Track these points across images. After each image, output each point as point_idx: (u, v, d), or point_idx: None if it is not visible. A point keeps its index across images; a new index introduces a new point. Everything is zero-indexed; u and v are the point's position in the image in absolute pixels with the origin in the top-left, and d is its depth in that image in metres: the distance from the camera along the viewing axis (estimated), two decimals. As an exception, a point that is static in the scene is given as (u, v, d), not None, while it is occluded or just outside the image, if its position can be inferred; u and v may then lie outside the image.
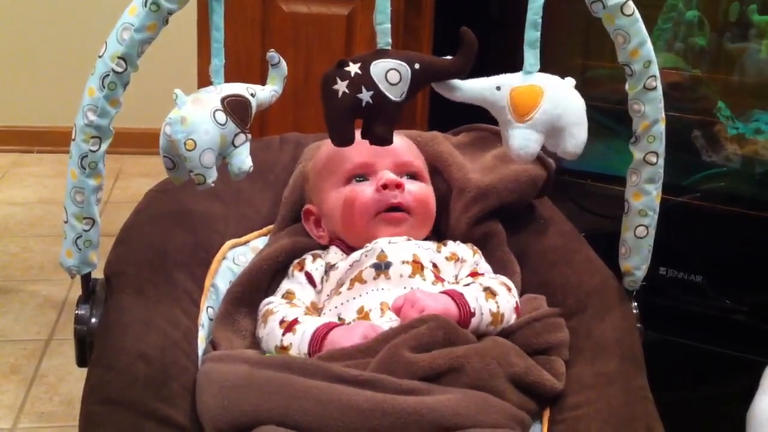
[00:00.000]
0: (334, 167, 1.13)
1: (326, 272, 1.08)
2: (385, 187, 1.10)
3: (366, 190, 1.11)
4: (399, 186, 1.11)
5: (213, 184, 0.90)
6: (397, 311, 0.97)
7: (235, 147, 0.92)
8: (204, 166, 0.88)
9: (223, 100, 0.91)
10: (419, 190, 1.13)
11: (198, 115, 0.88)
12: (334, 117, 0.89)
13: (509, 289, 1.06)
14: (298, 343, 0.98)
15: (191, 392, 0.93)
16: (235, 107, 0.91)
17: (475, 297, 0.99)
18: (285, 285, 1.09)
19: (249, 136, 0.93)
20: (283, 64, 0.99)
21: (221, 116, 0.90)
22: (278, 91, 0.99)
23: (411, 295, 0.97)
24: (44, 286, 2.07)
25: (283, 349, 0.98)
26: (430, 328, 0.93)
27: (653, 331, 1.08)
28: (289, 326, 0.99)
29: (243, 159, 0.93)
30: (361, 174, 1.12)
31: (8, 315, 1.93)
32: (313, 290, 1.08)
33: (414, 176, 1.14)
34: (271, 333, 1.00)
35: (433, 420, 0.85)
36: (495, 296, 1.02)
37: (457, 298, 0.98)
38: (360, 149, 1.08)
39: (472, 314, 0.98)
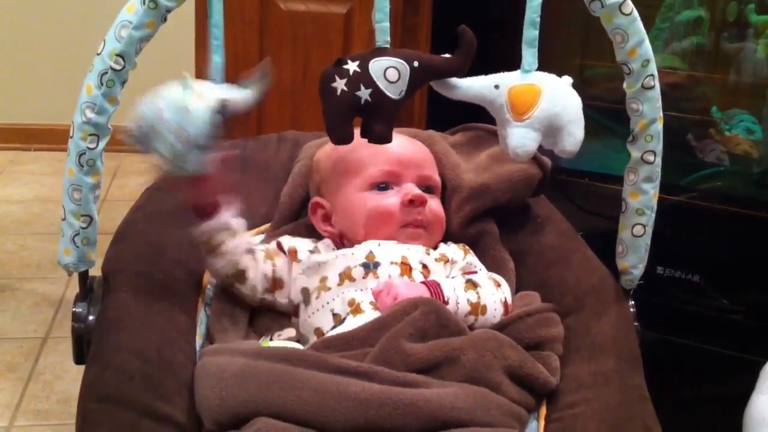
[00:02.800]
0: (357, 169, 1.12)
1: (310, 251, 1.09)
2: (411, 202, 1.10)
3: (392, 202, 1.11)
4: (423, 203, 1.11)
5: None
6: (377, 296, 1.00)
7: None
8: (193, 163, 0.88)
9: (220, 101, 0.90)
10: (436, 207, 1.14)
11: (199, 109, 0.88)
12: (333, 115, 0.89)
13: (498, 285, 1.06)
14: None
15: (189, 390, 0.93)
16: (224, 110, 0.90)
17: (452, 287, 1.01)
18: None
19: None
20: (266, 77, 0.97)
21: (216, 117, 0.89)
22: (253, 101, 0.97)
23: (387, 283, 1.00)
24: (41, 284, 2.06)
25: None
26: (424, 313, 0.94)
27: (650, 330, 1.08)
28: None
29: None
30: (385, 182, 1.12)
31: (5, 313, 1.93)
32: (282, 255, 1.09)
33: (431, 190, 1.15)
34: None
35: (431, 412, 0.85)
36: (476, 288, 1.03)
37: (432, 286, 1.01)
38: (387, 155, 1.11)
39: (446, 302, 0.99)
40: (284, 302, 1.08)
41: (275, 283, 1.07)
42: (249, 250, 1.06)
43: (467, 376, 0.91)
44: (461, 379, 0.91)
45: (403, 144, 1.15)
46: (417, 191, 1.11)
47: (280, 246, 1.10)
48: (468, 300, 1.01)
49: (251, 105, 0.97)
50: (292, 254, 1.09)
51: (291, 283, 1.08)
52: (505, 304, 1.05)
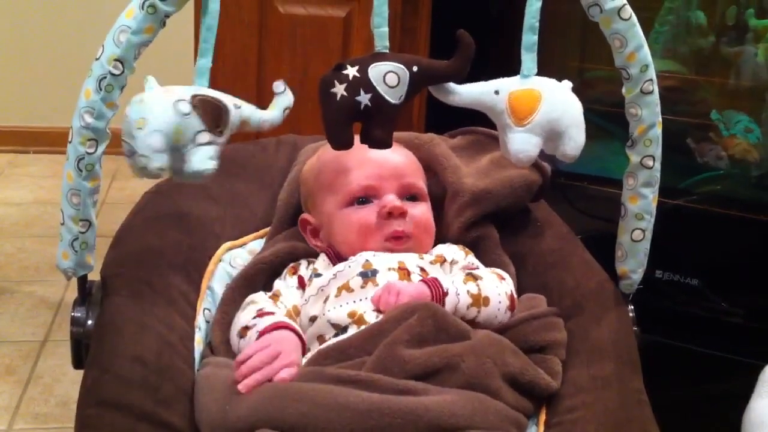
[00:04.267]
0: (337, 186, 1.12)
1: (310, 278, 1.08)
2: (390, 214, 1.09)
3: (370, 216, 1.10)
4: (403, 214, 1.10)
5: (158, 171, 0.86)
6: (377, 302, 0.99)
7: (195, 145, 0.87)
8: (148, 146, 0.85)
9: (194, 96, 0.87)
10: (420, 214, 1.13)
11: (158, 99, 0.86)
12: (333, 120, 0.89)
13: (501, 278, 1.06)
14: (259, 325, 0.99)
15: (187, 395, 0.93)
16: (206, 106, 0.88)
17: (451, 280, 1.01)
18: (276, 285, 1.10)
19: (219, 139, 0.89)
20: (289, 93, 0.95)
21: (185, 106, 0.86)
22: (274, 121, 0.94)
23: (387, 284, 1.00)
24: (40, 286, 2.06)
25: (246, 329, 1.00)
26: (420, 318, 0.93)
27: (649, 333, 1.07)
28: (262, 314, 1.01)
29: (201, 158, 0.88)
30: (364, 196, 1.11)
31: (4, 316, 1.93)
32: (301, 294, 1.08)
33: (415, 197, 1.14)
34: (245, 315, 1.02)
35: (430, 421, 0.85)
36: (477, 280, 1.02)
37: (430, 282, 1.00)
38: (364, 168, 1.10)
39: (446, 293, 0.99)
40: None
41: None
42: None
43: (466, 383, 0.91)
44: (460, 386, 0.91)
45: (382, 154, 1.09)
46: (396, 203, 1.10)
47: (302, 282, 1.09)
48: (468, 291, 1.00)
49: (268, 125, 0.94)
50: (302, 285, 1.08)
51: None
52: (511, 297, 1.04)
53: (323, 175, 1.14)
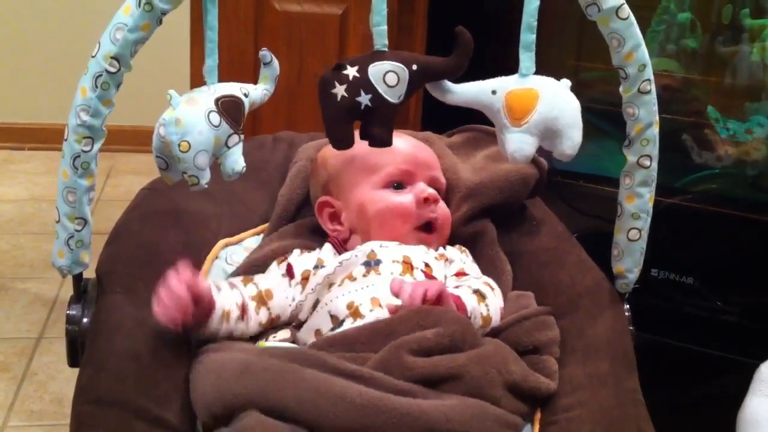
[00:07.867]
0: (373, 166, 1.12)
1: (315, 267, 1.08)
2: (426, 200, 1.11)
3: (407, 200, 1.11)
4: (437, 201, 1.12)
5: (206, 185, 0.90)
6: (398, 290, 0.94)
7: (229, 148, 0.92)
8: (198, 167, 0.88)
9: (216, 101, 0.90)
10: (445, 209, 1.15)
11: (192, 117, 0.88)
12: (333, 120, 0.89)
13: (493, 290, 1.06)
14: None
15: (182, 392, 0.92)
16: (229, 108, 0.91)
17: (471, 305, 1.00)
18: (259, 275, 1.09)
19: (242, 136, 0.93)
20: (275, 62, 0.99)
21: (215, 117, 0.89)
22: (270, 90, 0.99)
23: (426, 284, 0.94)
24: (35, 283, 2.06)
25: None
26: (438, 335, 0.91)
27: (644, 332, 1.08)
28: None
29: (236, 159, 0.93)
30: (400, 181, 1.12)
31: (-2, 313, 1.92)
32: (286, 282, 1.06)
33: (438, 192, 1.15)
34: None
35: (425, 423, 0.85)
36: (485, 299, 1.03)
37: (458, 302, 0.99)
38: (402, 154, 1.12)
39: (468, 318, 0.99)
40: (283, 323, 1.07)
41: (272, 322, 1.05)
42: (241, 314, 1.01)
43: (467, 391, 0.90)
44: (461, 393, 0.90)
45: (415, 145, 1.17)
46: (431, 190, 1.12)
47: (290, 270, 1.08)
48: (481, 314, 1.01)
49: (268, 96, 0.99)
50: (290, 272, 1.08)
51: (295, 306, 1.05)
52: (501, 309, 1.05)
53: (357, 158, 1.13)
